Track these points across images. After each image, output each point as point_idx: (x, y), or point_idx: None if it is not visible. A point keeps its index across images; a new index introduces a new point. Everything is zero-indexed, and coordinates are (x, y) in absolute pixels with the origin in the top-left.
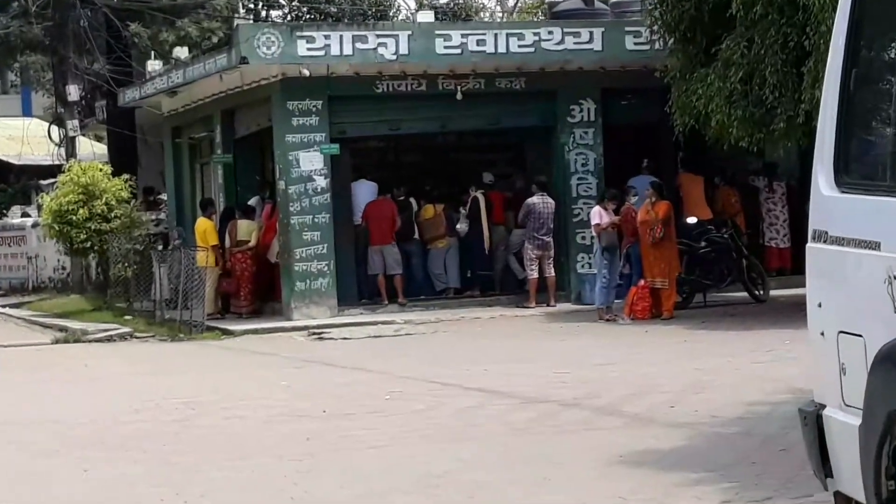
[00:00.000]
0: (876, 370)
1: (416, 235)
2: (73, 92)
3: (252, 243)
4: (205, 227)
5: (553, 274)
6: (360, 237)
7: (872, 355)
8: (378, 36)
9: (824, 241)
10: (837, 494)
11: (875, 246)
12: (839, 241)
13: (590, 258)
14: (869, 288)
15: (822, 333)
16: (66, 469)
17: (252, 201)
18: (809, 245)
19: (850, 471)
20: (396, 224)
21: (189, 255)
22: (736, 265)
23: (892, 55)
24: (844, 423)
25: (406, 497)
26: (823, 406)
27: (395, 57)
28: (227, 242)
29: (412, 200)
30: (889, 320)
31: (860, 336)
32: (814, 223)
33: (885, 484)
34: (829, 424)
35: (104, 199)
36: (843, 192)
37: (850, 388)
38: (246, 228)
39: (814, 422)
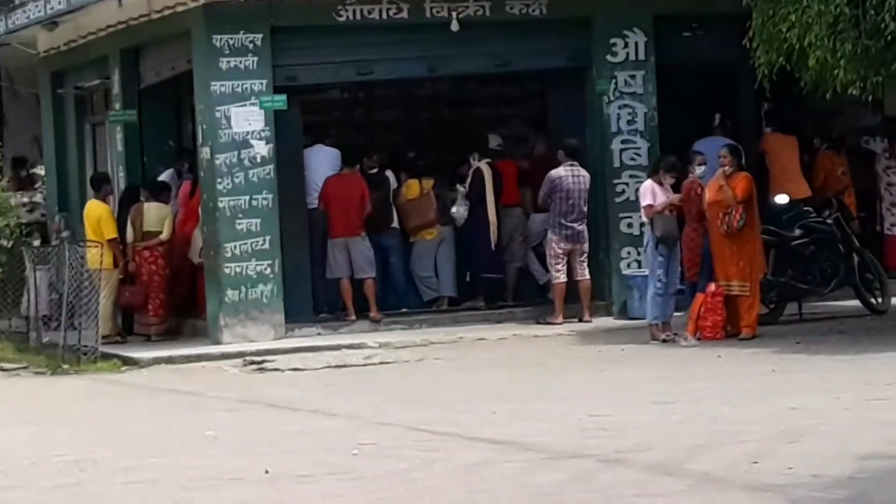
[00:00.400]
0: None
1: (396, 223)
2: None
3: (165, 236)
4: (98, 213)
5: (587, 276)
6: (316, 226)
7: None
8: None
9: None
10: None
11: None
12: None
13: (639, 254)
14: None
15: None
16: None
17: (164, 176)
18: None
19: None
20: (367, 208)
21: (77, 254)
22: (844, 262)
23: None
24: None
25: None
26: None
27: None
28: (130, 235)
29: (389, 174)
30: None
31: None
32: None
33: None
34: None
35: None
36: None
37: None
38: (156, 215)
39: None
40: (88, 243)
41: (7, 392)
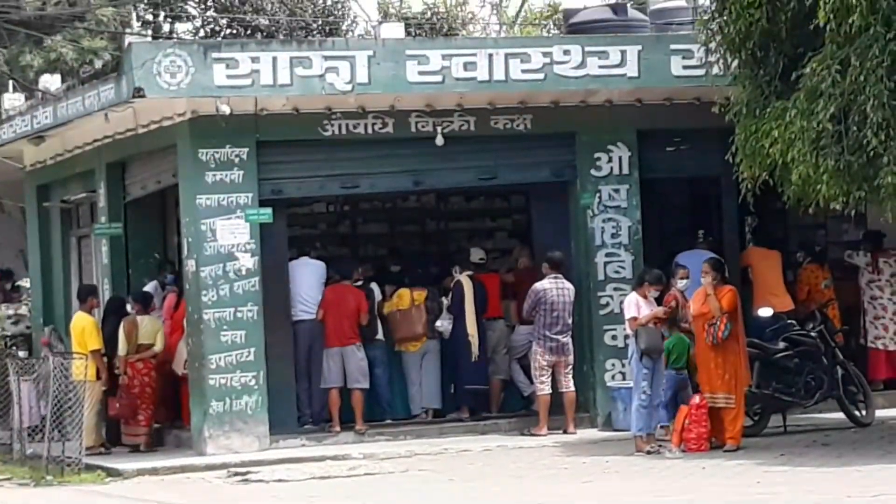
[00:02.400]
0: None
1: (380, 335)
2: None
3: (158, 348)
4: (83, 325)
5: (572, 388)
6: (300, 338)
7: None
8: (326, 58)
9: None
10: None
11: None
12: None
13: (624, 366)
14: None
15: None
16: None
17: (149, 287)
18: None
19: None
20: (363, 318)
21: (61, 365)
22: (828, 375)
23: None
24: None
25: None
26: None
27: (350, 87)
28: (123, 348)
29: (374, 287)
30: None
31: None
32: None
33: None
34: None
35: None
36: None
37: None
38: (150, 327)
39: None
40: (74, 355)
41: None
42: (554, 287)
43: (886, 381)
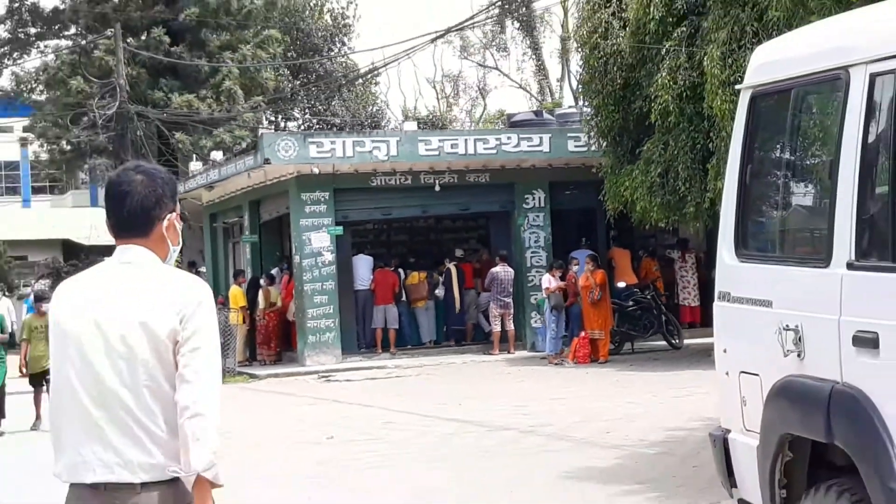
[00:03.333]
0: (770, 402)
1: (404, 298)
2: None
3: (279, 305)
4: (235, 293)
5: (512, 328)
6: (358, 300)
7: (767, 391)
8: (373, 141)
9: (728, 301)
10: (741, 501)
11: (768, 304)
12: (740, 301)
13: (541, 315)
14: (764, 337)
15: (727, 373)
16: None
17: (273, 271)
18: (716, 304)
19: (750, 482)
20: (397, 289)
21: (224, 315)
22: (657, 320)
23: (777, 156)
24: (746, 445)
25: None
26: (729, 431)
27: (386, 157)
28: (262, 304)
29: (400, 271)
30: (780, 363)
31: (757, 375)
32: (719, 286)
33: (778, 492)
34: (733, 446)
35: None
36: (742, 261)
37: (750, 417)
38: (274, 293)
39: (721, 443)
40: (230, 309)
41: None
42: (502, 270)
43: (689, 323)
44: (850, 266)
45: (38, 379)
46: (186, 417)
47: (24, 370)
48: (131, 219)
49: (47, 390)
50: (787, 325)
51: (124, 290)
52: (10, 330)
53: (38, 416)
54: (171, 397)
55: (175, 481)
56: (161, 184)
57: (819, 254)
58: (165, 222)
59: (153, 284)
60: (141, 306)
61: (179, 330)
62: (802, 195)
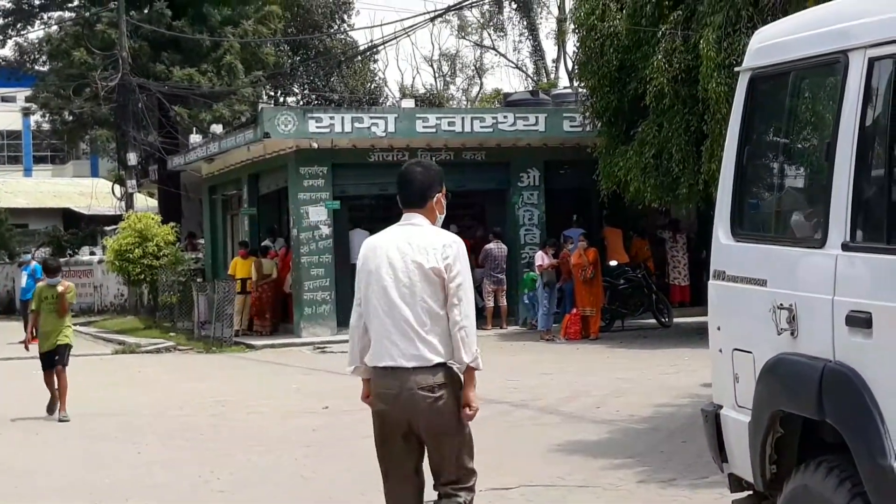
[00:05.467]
0: (762, 379)
1: None
2: (132, 158)
3: (274, 276)
4: (234, 263)
5: (505, 303)
6: (354, 273)
7: (760, 367)
8: (371, 118)
9: (723, 279)
10: (731, 475)
11: (762, 283)
12: (734, 279)
13: (534, 291)
14: (757, 315)
15: (720, 350)
16: (124, 451)
17: (278, 243)
18: (711, 282)
19: (741, 457)
20: None
21: (222, 286)
22: (647, 298)
23: (773, 138)
24: (737, 420)
25: None
26: (721, 406)
27: (384, 134)
28: (255, 276)
29: None
30: (773, 341)
31: (750, 352)
32: (714, 265)
33: (769, 468)
34: (725, 421)
35: (155, 242)
36: (738, 241)
37: (742, 393)
38: (269, 265)
39: (713, 419)
40: (233, 279)
41: (182, 363)
42: (496, 247)
43: (679, 302)
44: (844, 247)
45: (49, 358)
46: (457, 329)
47: (28, 343)
48: (414, 196)
49: (63, 368)
50: (781, 304)
51: (407, 242)
52: None
53: (53, 396)
54: (436, 314)
55: (436, 366)
56: (433, 174)
57: (814, 235)
58: (434, 199)
59: (427, 239)
60: (418, 253)
61: (444, 269)
62: (798, 177)
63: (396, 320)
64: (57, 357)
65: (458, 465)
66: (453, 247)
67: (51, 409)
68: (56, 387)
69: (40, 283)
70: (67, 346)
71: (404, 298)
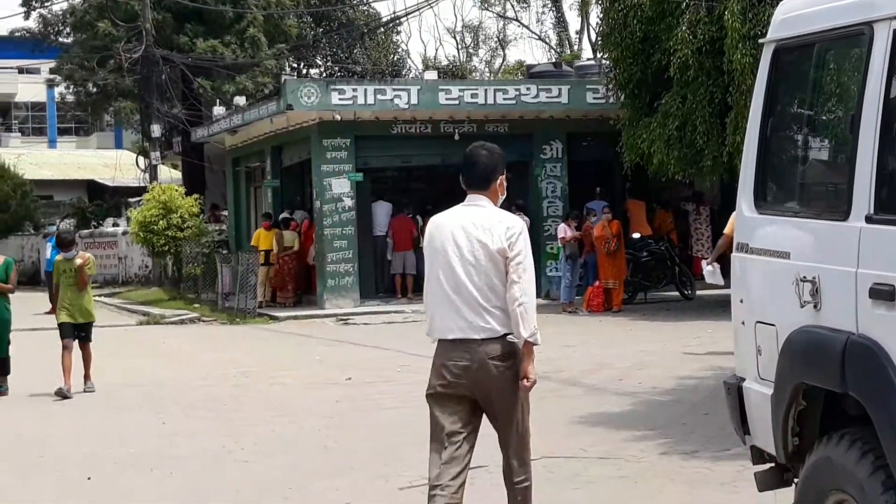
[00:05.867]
0: (785, 352)
1: (421, 244)
2: (156, 130)
3: (296, 248)
4: (258, 235)
5: None
6: (377, 245)
7: (782, 340)
8: (394, 90)
9: (746, 252)
10: (753, 448)
11: (786, 255)
12: (758, 252)
13: (557, 264)
14: (780, 288)
15: (743, 323)
16: (147, 422)
17: (297, 215)
18: (734, 255)
19: (763, 429)
20: (415, 235)
21: (245, 257)
22: (670, 270)
23: (797, 110)
24: (760, 393)
25: (415, 448)
26: (743, 379)
27: (407, 106)
28: (276, 248)
29: (418, 217)
30: (796, 313)
31: (773, 325)
32: (738, 237)
33: (791, 440)
34: (747, 394)
35: (179, 214)
36: (761, 213)
37: (765, 366)
38: (290, 237)
39: (736, 391)
40: (256, 251)
41: (205, 334)
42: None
43: (702, 274)
44: (868, 219)
45: (69, 330)
46: (516, 305)
47: (55, 312)
48: (479, 179)
49: (87, 343)
50: (804, 277)
51: (472, 222)
52: (15, 281)
53: (86, 374)
54: (499, 290)
55: (501, 337)
56: (496, 157)
57: (838, 207)
58: (497, 182)
59: (491, 219)
60: (482, 232)
61: (507, 249)
62: (823, 149)
63: (463, 295)
64: (83, 334)
65: (520, 435)
66: (516, 228)
67: (62, 391)
68: (73, 365)
69: (58, 258)
70: (90, 323)
71: (469, 275)
